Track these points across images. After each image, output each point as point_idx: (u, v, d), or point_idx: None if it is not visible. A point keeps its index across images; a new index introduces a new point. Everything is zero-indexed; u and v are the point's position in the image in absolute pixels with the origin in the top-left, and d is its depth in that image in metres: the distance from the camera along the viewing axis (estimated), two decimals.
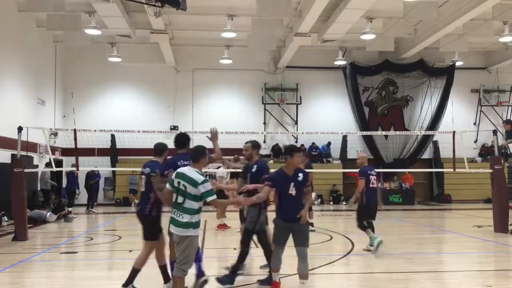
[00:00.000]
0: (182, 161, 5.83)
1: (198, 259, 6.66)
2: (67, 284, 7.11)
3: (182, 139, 6.32)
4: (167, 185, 5.36)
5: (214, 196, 5.20)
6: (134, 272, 5.97)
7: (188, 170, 5.27)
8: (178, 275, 5.24)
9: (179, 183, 5.22)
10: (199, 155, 5.40)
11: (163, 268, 6.19)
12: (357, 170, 9.52)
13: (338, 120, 23.16)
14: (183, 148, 6.13)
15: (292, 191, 5.80)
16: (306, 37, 18.56)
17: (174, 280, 5.33)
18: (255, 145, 6.88)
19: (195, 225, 5.22)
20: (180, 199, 5.21)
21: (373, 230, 9.09)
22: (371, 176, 9.19)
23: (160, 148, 6.36)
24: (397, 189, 22.54)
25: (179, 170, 5.33)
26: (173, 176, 5.30)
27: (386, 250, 9.82)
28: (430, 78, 23.82)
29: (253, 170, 6.68)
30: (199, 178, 5.17)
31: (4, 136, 14.95)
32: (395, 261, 8.66)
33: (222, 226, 12.78)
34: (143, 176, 6.18)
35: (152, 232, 6.04)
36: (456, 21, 16.85)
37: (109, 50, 21.18)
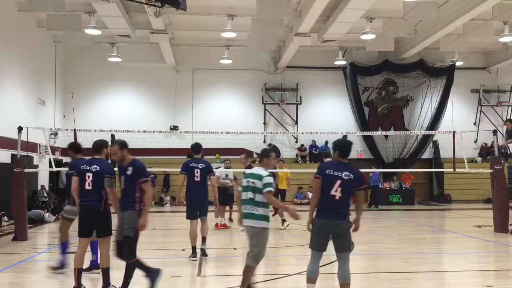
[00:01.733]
0: (193, 163, 8.34)
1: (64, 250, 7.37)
2: (67, 284, 7.10)
3: (197, 147, 8.67)
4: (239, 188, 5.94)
5: (272, 189, 5.63)
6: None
7: (255, 169, 5.87)
8: (253, 265, 5.68)
9: (248, 181, 5.74)
10: (263, 155, 6.02)
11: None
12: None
13: (338, 120, 23.16)
14: (198, 154, 8.46)
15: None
16: (306, 37, 18.55)
17: (248, 269, 5.68)
18: (122, 146, 6.38)
19: (268, 218, 5.73)
20: (250, 195, 5.68)
21: None
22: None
23: (99, 144, 6.55)
24: (397, 189, 22.54)
25: (248, 171, 5.96)
26: (243, 179, 5.88)
27: (386, 250, 9.83)
28: (430, 78, 23.82)
29: (128, 172, 6.13)
30: (263, 173, 5.72)
31: (4, 136, 14.95)
32: (395, 261, 8.66)
33: (222, 226, 12.77)
34: (89, 175, 6.17)
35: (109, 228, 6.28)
36: (456, 21, 16.85)
37: (109, 50, 21.19)
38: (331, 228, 5.26)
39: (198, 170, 8.34)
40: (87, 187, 6.11)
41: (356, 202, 5.45)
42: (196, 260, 8.27)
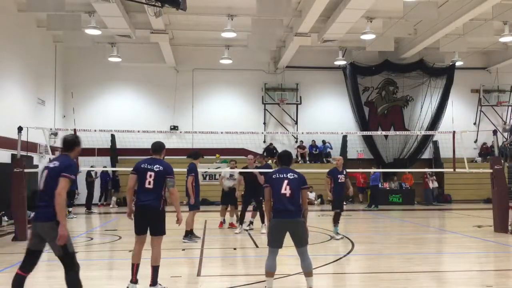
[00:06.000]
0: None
1: None
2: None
3: (196, 154, 10.62)
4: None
5: None
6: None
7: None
8: None
9: None
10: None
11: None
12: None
13: (338, 120, 23.17)
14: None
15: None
16: (306, 37, 18.56)
17: None
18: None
19: None
20: None
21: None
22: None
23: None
24: (397, 189, 22.54)
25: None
26: None
27: (386, 250, 9.83)
28: (430, 78, 23.82)
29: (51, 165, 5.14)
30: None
31: (4, 136, 14.96)
32: (395, 261, 8.66)
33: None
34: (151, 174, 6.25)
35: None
36: (456, 21, 16.85)
37: (109, 50, 21.20)
38: (287, 226, 5.74)
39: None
40: (147, 185, 6.18)
41: (303, 199, 5.89)
42: None
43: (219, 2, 16.95)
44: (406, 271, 7.78)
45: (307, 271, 5.81)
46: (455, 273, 7.90)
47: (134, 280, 6.14)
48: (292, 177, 5.82)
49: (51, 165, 5.08)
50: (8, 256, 9.21)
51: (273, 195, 5.81)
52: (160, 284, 6.19)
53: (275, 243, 5.77)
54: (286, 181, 5.78)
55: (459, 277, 7.46)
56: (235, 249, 9.74)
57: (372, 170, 19.77)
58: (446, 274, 7.92)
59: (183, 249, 9.72)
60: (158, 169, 6.26)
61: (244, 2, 16.77)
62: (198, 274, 7.51)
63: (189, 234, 10.55)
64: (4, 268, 7.94)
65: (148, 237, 6.23)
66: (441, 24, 17.79)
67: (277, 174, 5.90)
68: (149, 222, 6.18)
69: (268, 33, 18.51)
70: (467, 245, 10.69)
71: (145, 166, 6.29)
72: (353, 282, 7.36)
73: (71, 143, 5.26)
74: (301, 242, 5.75)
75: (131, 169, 6.42)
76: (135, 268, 6.15)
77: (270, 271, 5.77)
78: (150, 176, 6.19)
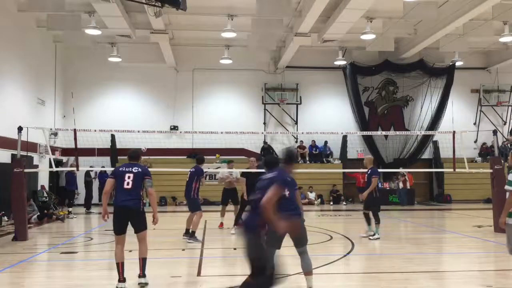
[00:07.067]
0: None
1: None
2: (67, 284, 7.11)
3: (200, 159, 10.80)
4: None
5: None
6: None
7: None
8: None
9: None
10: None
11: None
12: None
13: (338, 120, 23.17)
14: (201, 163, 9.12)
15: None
16: (306, 37, 18.55)
17: None
18: None
19: None
20: None
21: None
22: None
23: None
24: (397, 189, 22.52)
25: None
26: None
27: (386, 250, 9.83)
28: (430, 78, 23.82)
29: None
30: None
31: (4, 136, 14.96)
32: (395, 261, 8.66)
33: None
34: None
35: None
36: (456, 21, 16.85)
37: (109, 50, 21.19)
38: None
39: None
40: (126, 186, 6.44)
41: (298, 200, 6.01)
42: None
43: (219, 2, 16.95)
44: (406, 271, 7.78)
45: (307, 271, 5.89)
46: (455, 273, 7.90)
47: (121, 279, 6.35)
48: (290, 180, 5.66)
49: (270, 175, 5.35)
50: (8, 256, 9.21)
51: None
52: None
53: (275, 244, 5.73)
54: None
55: (459, 277, 7.46)
56: (235, 249, 9.73)
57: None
58: (446, 274, 7.93)
59: (183, 249, 9.72)
60: (136, 171, 6.54)
61: (244, 2, 16.77)
62: (198, 274, 7.51)
63: (194, 235, 10.59)
64: (4, 268, 7.93)
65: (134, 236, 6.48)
66: (441, 24, 17.79)
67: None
68: (130, 222, 6.47)
69: (268, 33, 18.52)
70: (467, 245, 10.70)
71: (124, 169, 6.60)
72: (353, 282, 7.36)
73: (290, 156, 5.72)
74: (301, 242, 5.83)
75: None
76: (120, 267, 6.38)
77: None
78: (129, 177, 6.46)
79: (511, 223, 5.93)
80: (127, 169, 6.55)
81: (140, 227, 6.49)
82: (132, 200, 6.39)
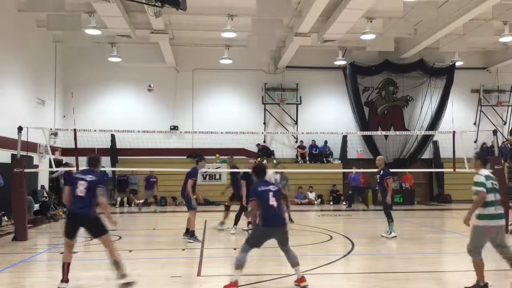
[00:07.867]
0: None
1: None
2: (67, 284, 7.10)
3: (198, 160, 10.74)
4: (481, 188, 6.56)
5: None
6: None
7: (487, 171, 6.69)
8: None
9: (492, 183, 6.60)
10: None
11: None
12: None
13: (338, 120, 23.17)
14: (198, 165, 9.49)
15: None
16: (306, 37, 18.55)
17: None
18: None
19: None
20: (497, 196, 6.58)
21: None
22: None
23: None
24: (397, 189, 22.52)
25: (485, 173, 6.73)
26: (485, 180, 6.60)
27: (386, 250, 9.83)
28: (430, 78, 23.82)
29: None
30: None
31: (4, 136, 14.95)
32: (395, 261, 8.66)
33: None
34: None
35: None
36: (456, 21, 16.85)
37: (109, 50, 21.18)
38: (275, 233, 6.52)
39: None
40: (79, 194, 6.45)
41: (286, 202, 7.04)
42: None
43: (219, 2, 16.94)
44: (406, 271, 7.78)
45: (294, 262, 6.52)
46: (455, 273, 7.90)
47: (64, 280, 6.42)
48: (274, 189, 6.59)
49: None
50: (8, 256, 9.21)
51: (262, 205, 6.48)
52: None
53: (258, 245, 6.53)
54: (271, 193, 6.52)
55: (459, 277, 7.45)
56: (235, 249, 9.72)
57: (354, 170, 19.40)
58: (446, 274, 7.93)
59: (183, 249, 9.72)
60: (90, 179, 6.54)
61: (244, 2, 16.77)
62: (198, 274, 7.51)
63: (194, 234, 10.62)
64: (4, 268, 7.93)
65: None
66: (441, 24, 17.78)
67: (262, 187, 6.58)
68: (84, 228, 6.53)
69: (268, 33, 18.51)
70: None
71: (78, 176, 6.67)
72: (353, 282, 7.36)
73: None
74: (286, 242, 6.55)
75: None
76: (65, 267, 6.45)
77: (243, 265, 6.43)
78: (82, 184, 6.49)
79: (479, 225, 6.58)
80: (81, 176, 6.59)
81: (96, 232, 6.48)
82: (83, 208, 6.41)
